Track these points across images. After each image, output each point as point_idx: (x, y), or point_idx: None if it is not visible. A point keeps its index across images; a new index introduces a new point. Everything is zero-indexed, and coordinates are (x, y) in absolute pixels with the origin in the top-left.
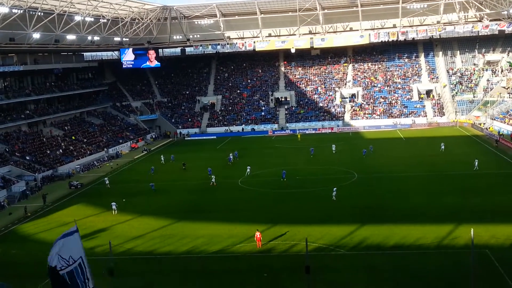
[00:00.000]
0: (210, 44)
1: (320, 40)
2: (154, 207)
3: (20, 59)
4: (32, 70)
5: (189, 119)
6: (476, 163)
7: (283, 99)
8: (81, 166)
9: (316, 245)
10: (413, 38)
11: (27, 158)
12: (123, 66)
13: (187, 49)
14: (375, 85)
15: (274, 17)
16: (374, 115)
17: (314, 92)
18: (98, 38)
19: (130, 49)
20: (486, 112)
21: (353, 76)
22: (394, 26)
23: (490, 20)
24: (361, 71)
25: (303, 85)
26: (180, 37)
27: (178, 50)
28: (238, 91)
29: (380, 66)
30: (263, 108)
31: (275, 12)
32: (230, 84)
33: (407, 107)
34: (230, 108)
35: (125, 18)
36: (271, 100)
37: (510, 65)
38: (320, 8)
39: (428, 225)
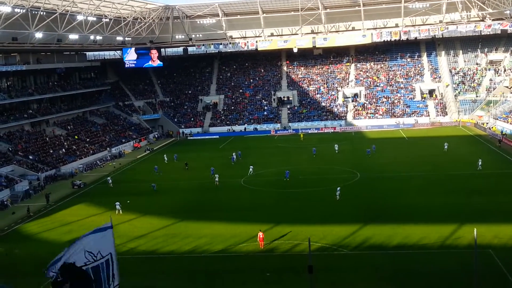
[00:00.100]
0: (212, 44)
1: (322, 40)
2: (156, 206)
3: (22, 59)
4: (35, 70)
5: (192, 119)
6: (480, 163)
7: (285, 99)
8: (84, 165)
9: (319, 244)
10: (416, 38)
11: (30, 157)
12: (126, 66)
13: (190, 49)
14: (378, 84)
15: (276, 17)
16: (376, 115)
17: (316, 92)
18: (101, 37)
19: (133, 49)
20: (489, 111)
21: (355, 76)
22: (397, 26)
23: (493, 20)
24: (363, 70)
25: (306, 84)
26: (183, 36)
27: (181, 49)
28: (241, 90)
29: (382, 65)
30: (265, 107)
31: (277, 12)
32: (232, 84)
33: (409, 107)
34: (232, 107)
35: (128, 17)
36: (274, 99)
37: None
38: (322, 8)
39: (431, 225)
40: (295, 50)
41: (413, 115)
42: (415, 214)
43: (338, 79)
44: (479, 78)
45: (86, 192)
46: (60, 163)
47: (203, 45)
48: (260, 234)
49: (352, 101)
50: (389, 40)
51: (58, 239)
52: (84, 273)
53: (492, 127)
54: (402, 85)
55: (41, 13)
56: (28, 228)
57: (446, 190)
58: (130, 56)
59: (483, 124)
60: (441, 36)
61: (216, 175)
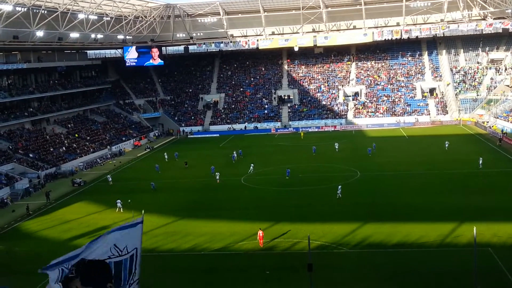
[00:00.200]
0: (213, 42)
1: (323, 38)
2: (157, 204)
3: (23, 57)
4: (36, 68)
5: (192, 117)
6: (481, 161)
7: (286, 97)
8: (84, 163)
9: (318, 243)
10: (417, 37)
11: (31, 155)
12: (127, 64)
13: (190, 47)
14: (379, 83)
15: (277, 15)
16: (377, 113)
17: (317, 90)
18: (102, 36)
19: (134, 47)
20: (489, 110)
21: (356, 74)
22: (398, 24)
23: (494, 19)
24: (364, 69)
25: (306, 83)
26: (184, 35)
27: (182, 48)
28: (241, 89)
29: (383, 64)
30: (266, 106)
31: (278, 10)
32: (233, 82)
33: (410, 106)
34: (233, 106)
35: (129, 16)
36: (274, 98)
37: None
38: (324, 6)
39: (430, 223)
40: (296, 49)
41: (414, 113)
42: (415, 212)
43: (339, 77)
44: (480, 77)
45: (86, 190)
46: (60, 161)
47: (204, 43)
48: (260, 233)
49: (353, 99)
50: (390, 38)
51: (58, 237)
52: (104, 268)
53: (492, 126)
54: (403, 84)
55: (42, 11)
56: (28, 226)
57: (446, 188)
58: (131, 55)
59: (484, 123)
60: (442, 35)
61: (217, 173)
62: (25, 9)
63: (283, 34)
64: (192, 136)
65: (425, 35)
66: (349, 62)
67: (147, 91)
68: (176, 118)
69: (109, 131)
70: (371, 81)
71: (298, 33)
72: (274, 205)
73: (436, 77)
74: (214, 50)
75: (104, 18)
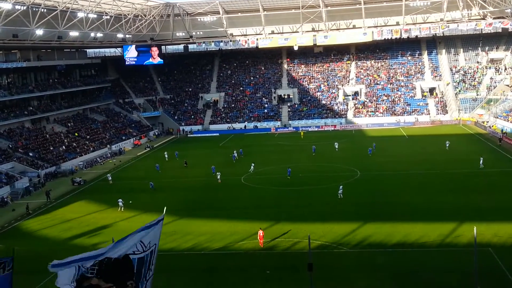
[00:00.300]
0: (213, 41)
1: (323, 38)
2: (156, 204)
3: (23, 56)
4: (35, 67)
5: (192, 116)
6: (482, 161)
7: (286, 97)
8: (84, 162)
9: (318, 242)
10: (416, 36)
11: (30, 154)
12: (126, 63)
13: (190, 46)
14: (378, 82)
15: (277, 14)
16: (377, 113)
17: (317, 90)
18: (101, 34)
19: (133, 46)
20: (489, 110)
21: (356, 74)
22: (397, 24)
23: (494, 18)
24: (364, 68)
25: (306, 82)
26: (183, 34)
27: (181, 47)
28: (241, 88)
29: (383, 63)
30: (266, 105)
31: (278, 9)
32: (233, 81)
33: (410, 105)
34: (233, 105)
35: (128, 14)
36: (274, 97)
37: None
38: (323, 6)
39: (430, 223)
40: (296, 48)
41: (414, 113)
42: (415, 212)
43: (338, 77)
44: (480, 77)
45: (86, 189)
46: (60, 160)
47: (204, 42)
48: (260, 232)
49: (353, 99)
50: (390, 38)
51: (58, 236)
52: (127, 266)
53: (492, 126)
54: (402, 83)
55: (42, 10)
56: (28, 225)
57: (446, 188)
58: (131, 54)
59: (484, 123)
60: (442, 34)
61: (218, 173)
62: (25, 7)
63: (282, 33)
64: (192, 135)
65: (424, 35)
66: (348, 62)
67: (146, 90)
68: (176, 117)
69: (109, 130)
70: (370, 81)
71: (298, 32)
72: (275, 205)
73: (435, 76)
74: (213, 49)
75: (103, 16)
